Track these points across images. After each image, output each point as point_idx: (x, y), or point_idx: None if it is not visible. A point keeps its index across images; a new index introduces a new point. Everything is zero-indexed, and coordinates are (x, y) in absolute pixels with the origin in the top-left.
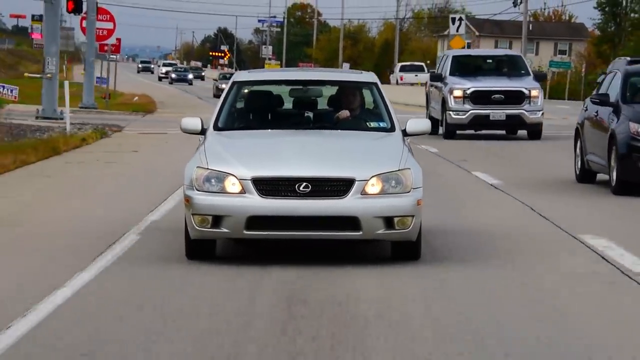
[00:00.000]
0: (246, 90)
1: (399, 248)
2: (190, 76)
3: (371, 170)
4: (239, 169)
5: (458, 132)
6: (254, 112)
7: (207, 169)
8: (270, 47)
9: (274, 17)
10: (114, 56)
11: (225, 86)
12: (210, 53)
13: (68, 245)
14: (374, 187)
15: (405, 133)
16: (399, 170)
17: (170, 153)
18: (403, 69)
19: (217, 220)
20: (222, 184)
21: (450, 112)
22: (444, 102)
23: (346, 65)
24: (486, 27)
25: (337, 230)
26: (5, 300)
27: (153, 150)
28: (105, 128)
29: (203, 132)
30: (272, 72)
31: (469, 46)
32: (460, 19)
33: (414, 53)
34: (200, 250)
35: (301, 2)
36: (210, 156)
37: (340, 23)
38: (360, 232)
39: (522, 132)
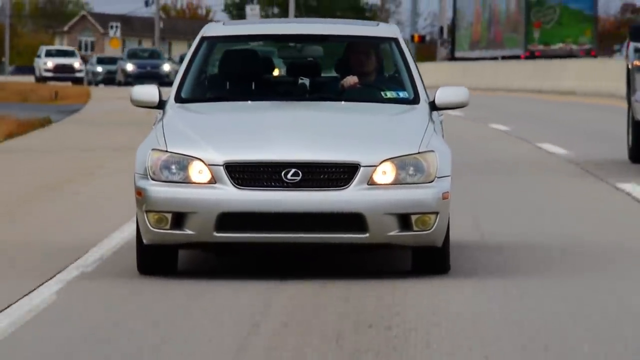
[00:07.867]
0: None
1: (420, 257)
2: (167, 68)
3: (382, 153)
4: (208, 152)
5: None
6: (230, 79)
7: (166, 151)
8: None
9: None
10: None
11: (100, 68)
12: None
13: None
14: (385, 175)
15: (433, 106)
16: (418, 153)
17: None
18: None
19: (179, 218)
20: (186, 171)
21: None
22: None
23: None
24: (113, 25)
25: (336, 232)
26: None
27: None
28: None
29: (161, 105)
30: (255, 24)
31: (91, 46)
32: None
33: (22, 54)
34: (156, 260)
35: None
36: (169, 135)
37: None
38: (367, 234)
39: None
